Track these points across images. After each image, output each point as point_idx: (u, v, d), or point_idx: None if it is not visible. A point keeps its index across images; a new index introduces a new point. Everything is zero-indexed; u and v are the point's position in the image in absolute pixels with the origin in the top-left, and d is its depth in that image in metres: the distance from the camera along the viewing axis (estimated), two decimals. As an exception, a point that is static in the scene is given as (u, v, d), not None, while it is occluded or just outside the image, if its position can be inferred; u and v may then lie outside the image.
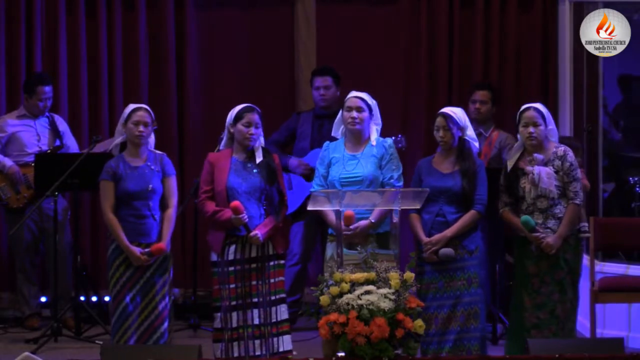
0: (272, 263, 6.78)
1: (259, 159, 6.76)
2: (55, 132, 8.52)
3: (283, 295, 6.81)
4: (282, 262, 6.84)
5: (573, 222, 6.79)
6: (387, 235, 6.71)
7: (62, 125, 8.62)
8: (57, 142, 8.44)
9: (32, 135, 8.51)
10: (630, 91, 9.66)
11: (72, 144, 8.56)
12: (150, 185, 6.73)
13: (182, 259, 9.01)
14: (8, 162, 8.40)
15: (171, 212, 6.81)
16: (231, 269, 6.73)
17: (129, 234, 6.69)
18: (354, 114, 6.75)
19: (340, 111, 6.88)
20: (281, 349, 6.73)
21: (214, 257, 6.77)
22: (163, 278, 6.78)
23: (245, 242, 6.74)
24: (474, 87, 8.58)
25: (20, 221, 8.22)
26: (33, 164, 8.18)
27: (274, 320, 6.74)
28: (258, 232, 6.67)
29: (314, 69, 8.72)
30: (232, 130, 6.80)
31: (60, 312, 8.21)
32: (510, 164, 6.85)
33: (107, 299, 8.66)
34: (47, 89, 8.50)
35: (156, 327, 6.73)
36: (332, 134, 6.98)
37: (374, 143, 6.83)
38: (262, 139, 6.86)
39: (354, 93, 6.86)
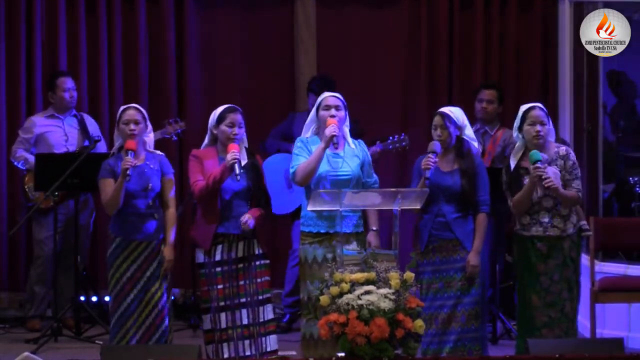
0: (257, 263, 6.78)
1: (243, 160, 6.74)
2: (84, 133, 8.48)
3: (269, 295, 6.82)
4: (267, 261, 6.84)
5: (571, 200, 6.74)
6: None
7: (92, 126, 8.59)
8: (86, 143, 8.38)
9: (60, 135, 8.49)
10: (620, 88, 9.65)
11: (100, 146, 8.39)
12: (150, 184, 6.74)
13: (181, 259, 9.00)
14: None
15: (173, 211, 6.84)
16: (218, 269, 6.72)
17: (129, 231, 6.70)
18: (333, 111, 6.74)
19: (313, 111, 6.84)
20: (269, 349, 6.75)
21: (200, 258, 6.76)
22: (163, 276, 6.78)
23: (232, 242, 6.73)
24: (481, 86, 8.58)
25: (21, 222, 8.24)
26: None
27: (261, 320, 6.75)
28: (248, 221, 6.62)
29: (319, 81, 8.42)
30: (215, 131, 6.79)
31: (60, 312, 8.22)
32: (513, 163, 6.85)
33: (107, 298, 8.66)
34: (67, 79, 8.51)
35: (157, 326, 6.73)
36: (302, 134, 6.89)
37: (352, 145, 6.83)
38: (245, 140, 6.85)
39: (328, 93, 6.85)
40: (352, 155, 6.80)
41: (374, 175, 6.88)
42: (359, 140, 6.97)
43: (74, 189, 8.05)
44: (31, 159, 8.34)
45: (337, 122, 6.63)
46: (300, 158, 6.75)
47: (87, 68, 9.02)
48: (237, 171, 6.54)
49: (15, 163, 8.51)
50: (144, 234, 6.72)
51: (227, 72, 9.22)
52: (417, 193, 6.45)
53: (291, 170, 6.78)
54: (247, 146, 6.84)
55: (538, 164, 6.61)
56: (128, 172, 6.53)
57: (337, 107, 6.75)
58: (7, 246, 8.93)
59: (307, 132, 6.87)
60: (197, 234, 6.78)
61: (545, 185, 6.60)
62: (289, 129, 8.57)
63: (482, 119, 8.40)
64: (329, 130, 6.59)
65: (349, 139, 6.85)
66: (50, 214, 8.27)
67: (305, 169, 6.67)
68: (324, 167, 6.73)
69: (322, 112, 6.76)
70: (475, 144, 6.89)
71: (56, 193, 8.04)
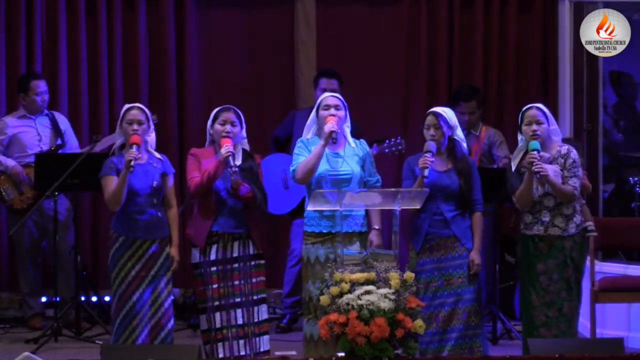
0: (253, 263, 6.81)
1: (238, 160, 6.73)
2: (56, 131, 8.52)
3: (264, 295, 6.86)
4: (262, 262, 6.86)
5: (566, 195, 6.72)
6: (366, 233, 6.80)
7: (64, 123, 8.61)
8: (59, 141, 8.44)
9: (33, 135, 8.51)
10: (621, 88, 9.65)
11: (73, 143, 8.56)
12: (155, 182, 6.74)
13: (182, 259, 8.98)
14: (11, 162, 8.40)
15: (175, 211, 6.88)
16: (213, 269, 6.75)
17: (133, 230, 6.70)
18: (333, 111, 6.75)
19: (313, 112, 6.86)
20: (262, 349, 6.78)
21: (195, 257, 6.78)
22: (167, 275, 6.79)
23: (227, 241, 6.75)
24: (459, 99, 8.52)
25: (20, 221, 8.24)
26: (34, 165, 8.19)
27: (255, 320, 6.77)
28: (236, 170, 6.62)
29: (321, 70, 8.68)
30: (211, 131, 6.82)
31: (60, 312, 8.21)
32: (514, 164, 6.86)
33: (107, 298, 8.66)
34: (41, 82, 8.51)
35: (163, 325, 6.74)
36: (304, 136, 6.92)
37: (352, 144, 6.84)
38: (245, 141, 6.86)
39: (328, 93, 6.91)
40: (352, 155, 6.81)
41: (376, 175, 6.88)
42: (361, 139, 6.98)
43: (74, 189, 8.05)
44: (4, 160, 8.37)
45: (337, 121, 6.65)
46: (301, 157, 6.77)
47: (87, 68, 9.01)
48: (232, 163, 6.56)
49: None
50: (148, 232, 6.72)
51: (227, 72, 9.22)
52: (417, 193, 6.47)
53: (291, 169, 6.80)
54: (247, 148, 6.84)
55: (534, 153, 6.62)
56: (132, 164, 6.51)
57: (336, 107, 6.77)
58: (7, 246, 8.93)
59: (308, 132, 6.89)
60: (193, 231, 6.81)
61: (535, 170, 6.59)
62: (289, 128, 8.57)
63: (466, 128, 8.40)
64: (328, 127, 6.62)
65: (350, 139, 6.86)
66: (25, 214, 8.27)
67: (305, 167, 6.69)
68: (323, 167, 6.74)
69: (321, 112, 6.79)
70: (465, 144, 6.92)
71: (56, 193, 8.06)
